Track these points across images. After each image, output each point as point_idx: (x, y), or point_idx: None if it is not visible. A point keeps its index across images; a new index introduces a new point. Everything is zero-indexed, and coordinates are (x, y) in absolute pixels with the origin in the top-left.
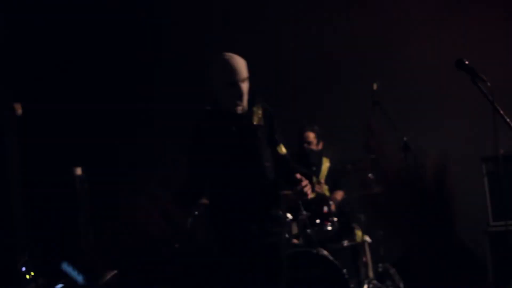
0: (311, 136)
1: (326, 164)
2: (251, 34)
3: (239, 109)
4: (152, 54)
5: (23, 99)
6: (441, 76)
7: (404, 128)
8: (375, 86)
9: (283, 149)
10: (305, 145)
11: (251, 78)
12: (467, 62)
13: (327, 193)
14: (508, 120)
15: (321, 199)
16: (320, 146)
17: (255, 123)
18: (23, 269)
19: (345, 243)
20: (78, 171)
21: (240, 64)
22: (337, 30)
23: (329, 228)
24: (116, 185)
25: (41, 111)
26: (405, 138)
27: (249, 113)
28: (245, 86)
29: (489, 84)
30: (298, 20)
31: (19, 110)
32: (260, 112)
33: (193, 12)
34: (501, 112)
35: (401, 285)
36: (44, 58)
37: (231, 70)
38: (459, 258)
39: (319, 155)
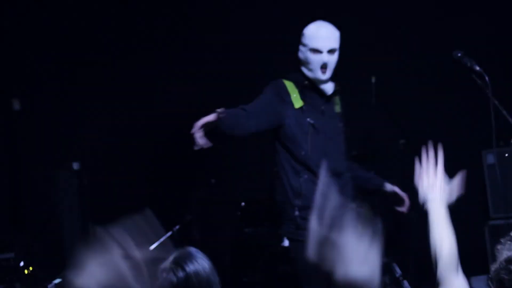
0: None
1: None
2: (248, 30)
3: (323, 78)
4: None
5: (21, 93)
6: (441, 68)
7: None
8: (373, 79)
9: None
10: None
11: None
12: (460, 55)
13: None
14: (505, 113)
15: None
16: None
17: (337, 111)
18: (21, 264)
19: None
20: (76, 165)
21: (331, 33)
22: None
23: None
24: (115, 181)
25: (38, 105)
26: (401, 141)
27: (333, 98)
28: (331, 58)
29: (487, 78)
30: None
31: (17, 105)
32: (338, 99)
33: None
34: (498, 105)
35: (401, 277)
36: (41, 51)
37: (318, 37)
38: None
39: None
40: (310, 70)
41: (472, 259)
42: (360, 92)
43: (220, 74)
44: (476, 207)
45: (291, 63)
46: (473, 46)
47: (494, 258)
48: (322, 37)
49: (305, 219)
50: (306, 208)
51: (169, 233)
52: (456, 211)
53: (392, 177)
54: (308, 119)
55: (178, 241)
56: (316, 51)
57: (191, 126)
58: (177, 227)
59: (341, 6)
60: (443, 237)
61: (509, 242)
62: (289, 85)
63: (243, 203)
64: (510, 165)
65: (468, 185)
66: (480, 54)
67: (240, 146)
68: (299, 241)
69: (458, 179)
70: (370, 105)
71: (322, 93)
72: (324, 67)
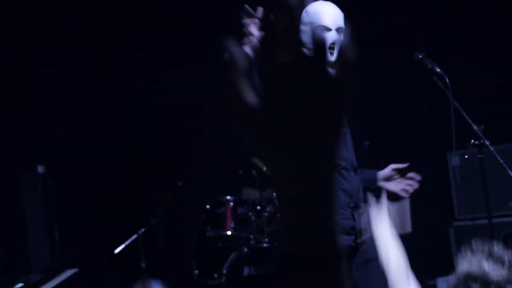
0: None
1: None
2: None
3: (331, 59)
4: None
5: None
6: (406, 69)
7: (368, 126)
8: None
9: None
10: None
11: None
12: (421, 57)
13: None
14: (465, 114)
15: None
16: None
17: None
18: None
19: None
20: (41, 168)
21: (338, 12)
22: None
23: None
24: (80, 184)
25: (1, 108)
26: (366, 143)
27: None
28: (339, 37)
29: (447, 79)
30: None
31: None
32: None
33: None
34: (458, 106)
35: None
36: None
37: (325, 13)
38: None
39: None
40: None
41: (437, 260)
42: None
43: (187, 75)
44: (441, 208)
45: None
46: (433, 47)
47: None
48: (330, 14)
49: None
50: None
51: (134, 236)
52: (421, 212)
53: None
54: None
55: (143, 244)
56: (324, 28)
57: (157, 128)
58: (143, 230)
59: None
60: (389, 251)
61: (469, 253)
62: None
63: (208, 206)
64: (474, 166)
65: (433, 186)
66: (441, 56)
67: (206, 148)
68: None
69: (384, 197)
70: None
71: None
72: (332, 47)
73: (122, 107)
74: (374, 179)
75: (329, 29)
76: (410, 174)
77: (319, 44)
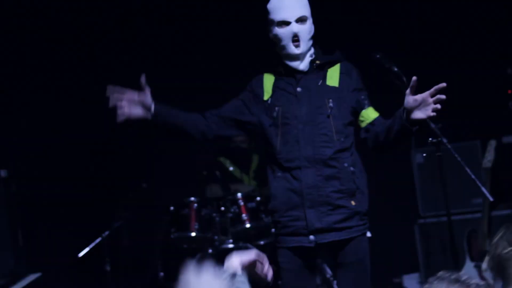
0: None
1: (255, 161)
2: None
3: (297, 52)
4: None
5: None
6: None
7: None
8: None
9: (374, 113)
10: (232, 143)
11: None
12: (379, 56)
13: (256, 189)
14: None
15: (248, 195)
16: (251, 144)
17: (328, 84)
18: None
19: (262, 241)
20: (3, 173)
21: (295, 2)
22: None
23: (248, 225)
24: (44, 187)
25: None
26: None
27: (321, 72)
28: (301, 27)
29: (404, 78)
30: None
31: None
32: (337, 70)
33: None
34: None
35: (332, 278)
36: None
37: (282, 7)
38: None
39: (249, 153)
40: (283, 48)
41: (403, 258)
42: None
43: (150, 76)
44: (406, 206)
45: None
46: (392, 47)
47: (424, 257)
48: (286, 6)
49: (278, 222)
50: (276, 211)
51: (99, 239)
52: (387, 210)
53: None
54: (277, 108)
55: (107, 247)
56: (283, 23)
57: (120, 130)
58: (107, 233)
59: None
60: None
61: (436, 282)
62: (267, 77)
63: (172, 207)
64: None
65: (398, 184)
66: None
67: (170, 150)
68: (277, 248)
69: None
70: None
71: (296, 71)
72: (296, 39)
73: (84, 109)
74: (401, 116)
75: (288, 23)
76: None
77: None
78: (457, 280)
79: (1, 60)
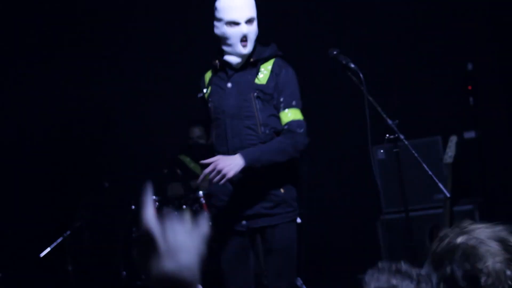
0: (197, 130)
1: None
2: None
3: (244, 52)
4: None
5: None
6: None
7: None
8: None
9: (290, 115)
10: (190, 140)
11: None
12: (336, 53)
13: None
14: (380, 109)
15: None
16: (209, 140)
17: (256, 81)
18: None
19: None
20: None
21: (245, 1)
22: None
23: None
24: (3, 187)
25: None
26: None
27: (254, 68)
28: (250, 28)
29: (361, 74)
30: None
31: None
32: (269, 67)
33: None
34: (372, 101)
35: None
36: None
37: (232, 7)
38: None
39: (208, 149)
40: (229, 45)
41: (366, 254)
42: None
43: (110, 76)
44: (369, 202)
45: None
46: (349, 45)
47: (387, 253)
48: (237, 7)
49: (213, 206)
50: (212, 196)
51: (60, 239)
52: (350, 206)
53: None
54: (210, 103)
55: (69, 247)
56: (233, 23)
57: (81, 129)
58: (68, 232)
59: None
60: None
61: (376, 273)
62: (207, 74)
63: (133, 206)
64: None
65: (360, 180)
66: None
67: (131, 149)
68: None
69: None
70: None
71: (229, 67)
72: (244, 39)
73: (45, 108)
74: None
75: (237, 23)
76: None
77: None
78: (398, 271)
79: None
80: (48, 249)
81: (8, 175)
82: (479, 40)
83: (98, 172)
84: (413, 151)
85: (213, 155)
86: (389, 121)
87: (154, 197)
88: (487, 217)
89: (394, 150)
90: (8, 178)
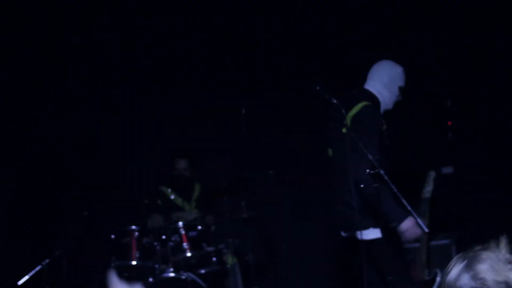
0: (182, 163)
1: (197, 190)
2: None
3: None
4: None
5: None
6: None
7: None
8: (243, 110)
9: None
10: (175, 171)
11: None
12: (319, 88)
13: (197, 218)
14: (361, 144)
15: (189, 225)
16: (193, 173)
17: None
18: None
19: (203, 270)
20: None
21: None
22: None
23: (189, 254)
24: None
25: None
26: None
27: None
28: None
29: (343, 110)
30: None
31: None
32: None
33: None
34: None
35: None
36: None
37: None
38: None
39: (191, 181)
40: (390, 102)
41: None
42: (230, 123)
43: (94, 107)
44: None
45: None
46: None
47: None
48: None
49: None
50: None
51: (39, 267)
52: (329, 238)
53: (261, 207)
54: None
55: (48, 275)
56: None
57: (62, 158)
58: (47, 261)
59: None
60: None
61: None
62: None
63: (113, 236)
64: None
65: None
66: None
67: (111, 179)
68: None
69: None
70: (241, 136)
71: None
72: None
73: (26, 137)
74: None
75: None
76: None
77: None
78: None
79: None
80: (27, 277)
81: None
82: (457, 77)
83: (78, 201)
84: (392, 186)
85: (193, 186)
86: (370, 156)
87: (134, 227)
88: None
89: (375, 185)
90: None
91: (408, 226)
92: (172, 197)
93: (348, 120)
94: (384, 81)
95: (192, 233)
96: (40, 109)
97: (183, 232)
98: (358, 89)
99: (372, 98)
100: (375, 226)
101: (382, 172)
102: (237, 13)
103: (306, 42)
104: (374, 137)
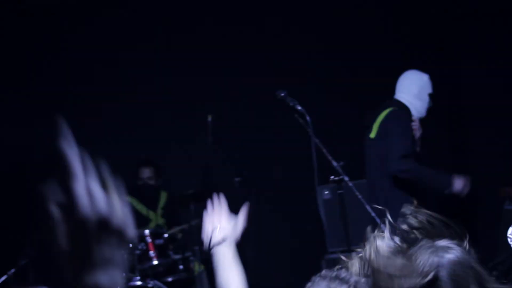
0: (147, 171)
1: (163, 198)
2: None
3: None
4: None
5: None
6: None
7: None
8: (209, 118)
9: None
10: (140, 180)
11: None
12: (283, 95)
13: (164, 226)
14: (325, 151)
15: (156, 232)
16: (158, 181)
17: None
18: None
19: (170, 278)
20: None
21: None
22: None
23: (155, 262)
24: None
25: None
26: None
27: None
28: None
29: (308, 117)
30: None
31: None
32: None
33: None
34: (318, 143)
35: None
36: None
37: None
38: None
39: (157, 190)
40: (419, 107)
41: None
42: (197, 130)
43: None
44: (315, 241)
45: None
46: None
47: None
48: None
49: None
50: None
51: (4, 277)
52: (297, 245)
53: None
54: None
55: (13, 285)
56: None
57: (28, 165)
58: (12, 270)
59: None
60: (230, 278)
61: (318, 279)
62: None
63: None
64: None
65: (307, 220)
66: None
67: None
68: None
69: (242, 214)
70: (207, 143)
71: None
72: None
73: None
74: None
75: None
76: None
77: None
78: (337, 277)
79: None
80: None
81: None
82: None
83: (44, 209)
84: (357, 193)
85: (159, 195)
86: (334, 163)
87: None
88: None
89: (339, 191)
90: None
91: (460, 185)
92: (139, 207)
93: (376, 126)
94: (414, 92)
95: (158, 241)
96: (10, 114)
97: (149, 240)
98: (389, 100)
99: (403, 107)
100: None
101: (346, 178)
102: (208, 16)
103: (273, 48)
104: (405, 137)
